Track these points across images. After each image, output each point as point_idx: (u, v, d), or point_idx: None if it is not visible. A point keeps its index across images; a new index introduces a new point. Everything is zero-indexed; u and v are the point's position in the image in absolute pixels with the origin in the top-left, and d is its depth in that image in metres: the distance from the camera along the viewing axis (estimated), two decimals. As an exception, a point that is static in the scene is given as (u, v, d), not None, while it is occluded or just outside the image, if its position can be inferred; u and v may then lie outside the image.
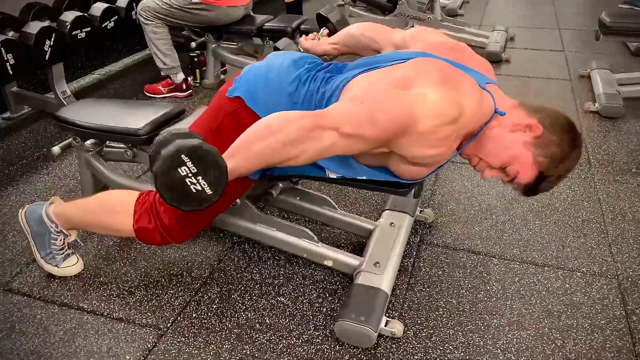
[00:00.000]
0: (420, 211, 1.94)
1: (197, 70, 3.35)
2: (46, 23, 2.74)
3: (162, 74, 3.16)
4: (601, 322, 1.49)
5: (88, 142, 1.85)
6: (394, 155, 1.27)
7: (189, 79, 3.26)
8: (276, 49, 1.74)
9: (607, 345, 1.41)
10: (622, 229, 1.88)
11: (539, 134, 1.22)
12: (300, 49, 1.72)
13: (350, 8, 4.01)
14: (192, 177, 1.08)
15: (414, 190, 1.51)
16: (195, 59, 3.31)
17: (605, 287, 1.62)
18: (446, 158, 1.29)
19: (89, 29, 2.77)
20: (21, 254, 1.82)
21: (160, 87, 3.19)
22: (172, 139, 1.12)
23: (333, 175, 1.45)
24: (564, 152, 1.23)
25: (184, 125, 1.74)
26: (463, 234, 1.88)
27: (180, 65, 3.15)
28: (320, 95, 1.34)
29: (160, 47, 3.05)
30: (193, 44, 3.22)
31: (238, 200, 1.64)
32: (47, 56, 2.55)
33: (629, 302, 1.56)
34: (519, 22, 4.69)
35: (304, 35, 1.74)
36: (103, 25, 2.89)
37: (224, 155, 1.15)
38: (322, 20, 1.75)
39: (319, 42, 1.70)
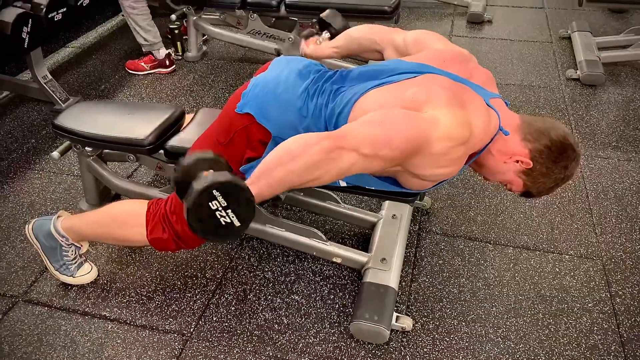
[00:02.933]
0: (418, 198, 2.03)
1: (178, 42, 3.26)
2: (19, 4, 2.61)
3: (144, 50, 3.07)
4: (589, 305, 1.65)
5: (88, 147, 1.85)
6: (405, 171, 1.33)
7: (171, 52, 3.18)
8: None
9: (595, 328, 1.57)
10: (605, 208, 2.02)
11: (529, 168, 1.31)
12: (301, 50, 1.71)
13: None
14: (222, 211, 1.13)
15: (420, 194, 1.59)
16: (176, 31, 3.22)
17: (591, 269, 1.77)
18: (454, 174, 1.36)
19: (64, 9, 2.65)
20: (33, 261, 1.86)
21: (142, 64, 3.11)
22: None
23: (343, 184, 1.51)
24: (553, 180, 1.34)
25: (192, 129, 1.74)
26: (459, 220, 1.99)
27: (160, 33, 3.05)
28: (330, 110, 1.37)
29: (140, 23, 2.94)
30: (173, 16, 3.11)
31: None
32: (26, 44, 2.45)
33: (613, 283, 1.72)
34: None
35: (304, 41, 1.74)
36: (79, 4, 2.76)
37: (247, 181, 1.19)
38: (323, 25, 1.74)
39: (321, 47, 1.70)
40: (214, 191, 1.10)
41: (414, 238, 1.92)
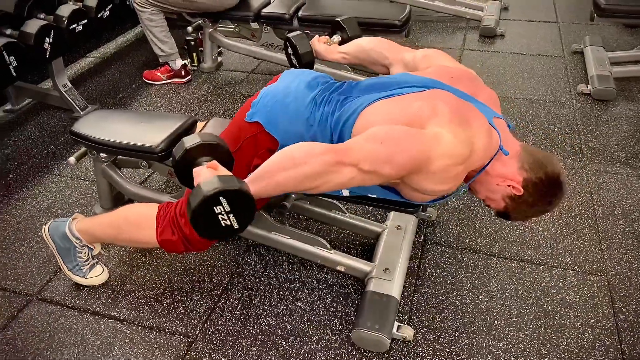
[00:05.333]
0: (424, 210, 2.05)
1: (194, 54, 3.34)
2: (42, 16, 2.72)
3: (160, 60, 3.16)
4: (591, 320, 1.65)
5: (103, 153, 1.92)
6: (405, 184, 1.36)
7: (187, 63, 3.26)
8: (288, 39, 1.76)
9: (597, 344, 1.57)
10: (612, 224, 2.02)
11: (517, 195, 1.33)
12: (311, 46, 1.75)
13: None
14: (224, 214, 1.18)
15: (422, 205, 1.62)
16: (192, 43, 3.30)
17: (595, 285, 1.77)
18: (454, 190, 1.38)
19: (85, 21, 2.75)
20: (47, 261, 1.92)
21: (159, 74, 3.19)
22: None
23: (346, 193, 1.55)
24: (534, 211, 1.39)
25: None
26: (464, 232, 2.01)
27: (177, 44, 3.13)
28: (336, 119, 1.41)
29: (157, 35, 3.03)
30: (189, 28, 3.20)
31: (254, 212, 1.73)
32: (48, 54, 2.55)
33: (617, 300, 1.71)
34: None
35: (317, 36, 1.78)
36: (99, 16, 2.86)
37: (247, 179, 1.24)
38: (336, 27, 1.78)
39: (330, 49, 1.74)
40: (220, 197, 1.15)
41: (418, 249, 1.94)
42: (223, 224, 1.20)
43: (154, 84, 3.21)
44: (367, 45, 1.69)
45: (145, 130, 1.83)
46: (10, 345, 1.63)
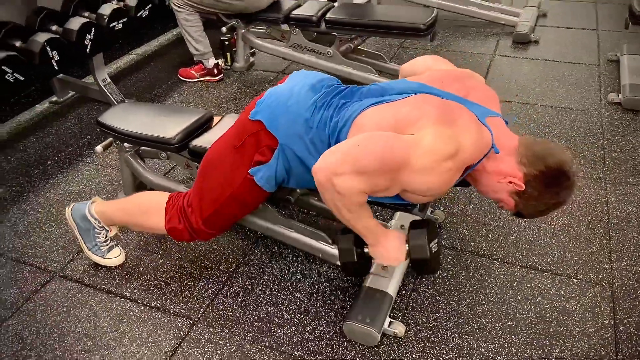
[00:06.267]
0: (431, 212, 2.07)
1: (228, 53, 3.47)
2: (86, 14, 2.91)
3: (195, 59, 3.30)
4: (589, 330, 1.62)
5: (127, 143, 2.05)
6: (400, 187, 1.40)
7: (220, 62, 3.39)
8: None
9: (591, 354, 1.55)
10: (625, 235, 1.97)
11: (521, 190, 1.34)
12: None
13: None
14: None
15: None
16: (226, 43, 3.43)
17: (598, 294, 1.74)
18: (448, 188, 1.41)
19: (125, 19, 2.92)
20: (72, 242, 2.06)
21: (193, 72, 3.34)
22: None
23: None
24: (544, 205, 1.37)
25: (215, 132, 1.88)
26: (470, 236, 2.01)
27: (211, 45, 3.27)
28: (334, 124, 1.47)
29: (193, 34, 3.17)
30: (224, 29, 3.32)
31: (260, 205, 1.81)
32: (88, 49, 2.73)
33: (619, 311, 1.68)
34: (556, -7, 4.55)
35: None
36: (138, 15, 3.03)
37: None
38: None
39: None
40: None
41: (421, 249, 1.96)
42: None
43: (188, 81, 3.36)
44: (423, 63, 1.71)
45: (164, 123, 1.94)
46: (31, 316, 1.77)
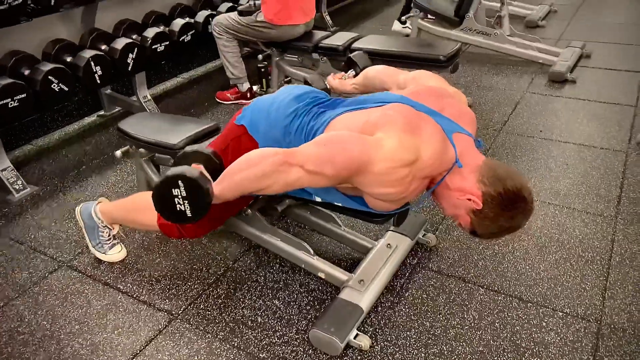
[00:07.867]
0: (423, 235, 2.06)
1: (264, 80, 3.66)
2: (134, 36, 3.19)
3: (231, 83, 3.51)
4: (564, 363, 1.54)
5: (141, 149, 2.21)
6: (356, 189, 1.44)
7: (256, 87, 3.58)
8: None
9: (559, 387, 1.47)
10: (625, 274, 1.86)
11: (478, 209, 1.34)
12: (328, 82, 1.94)
13: (420, 21, 4.08)
14: (180, 199, 1.35)
15: (393, 219, 1.66)
16: (263, 70, 3.62)
17: (583, 330, 1.65)
18: (410, 197, 1.42)
19: (167, 42, 3.17)
20: (84, 237, 2.23)
21: (228, 95, 3.55)
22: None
23: (318, 199, 1.65)
24: (497, 227, 1.36)
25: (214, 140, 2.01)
26: (459, 262, 1.98)
27: (249, 73, 3.46)
28: (310, 128, 1.54)
29: (230, 59, 3.39)
30: (260, 56, 3.52)
31: (249, 211, 1.89)
32: (130, 67, 2.99)
33: (601, 348, 1.58)
34: (605, 36, 4.43)
35: (332, 74, 1.96)
36: (180, 39, 3.29)
37: (217, 181, 1.40)
38: (350, 64, 1.95)
39: (344, 82, 1.91)
40: (180, 181, 1.33)
41: (407, 270, 1.95)
42: (177, 208, 1.37)
43: (224, 103, 3.57)
44: (371, 74, 1.81)
45: (172, 131, 2.10)
46: (33, 300, 1.92)
